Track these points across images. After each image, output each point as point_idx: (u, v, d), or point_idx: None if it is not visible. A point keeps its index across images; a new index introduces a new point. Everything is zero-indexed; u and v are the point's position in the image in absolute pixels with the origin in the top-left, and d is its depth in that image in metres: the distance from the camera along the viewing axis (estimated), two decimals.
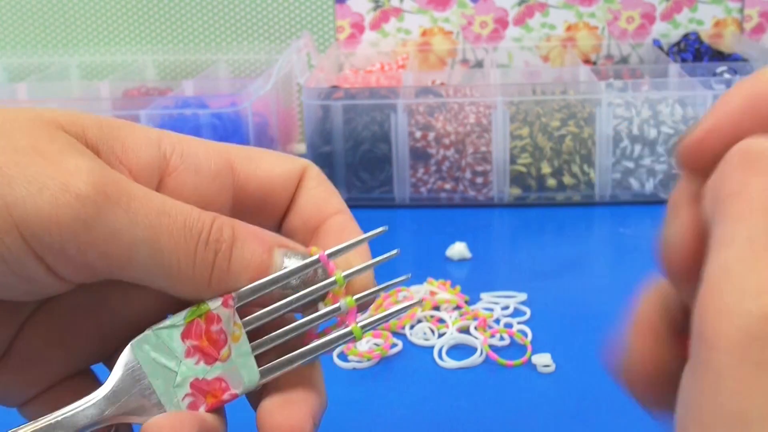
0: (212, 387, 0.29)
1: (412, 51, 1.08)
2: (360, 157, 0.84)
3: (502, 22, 1.11)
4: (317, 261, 0.30)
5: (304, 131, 0.95)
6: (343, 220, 0.32)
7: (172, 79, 1.11)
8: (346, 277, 0.30)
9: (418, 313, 0.60)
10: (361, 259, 0.31)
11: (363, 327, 0.30)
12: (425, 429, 0.49)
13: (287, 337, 0.30)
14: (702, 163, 0.23)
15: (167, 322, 0.29)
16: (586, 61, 1.07)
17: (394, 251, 0.31)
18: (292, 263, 0.29)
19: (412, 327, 0.59)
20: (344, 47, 1.09)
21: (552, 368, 0.54)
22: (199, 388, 0.29)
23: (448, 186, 0.85)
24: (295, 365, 0.30)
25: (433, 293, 0.63)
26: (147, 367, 0.29)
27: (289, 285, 0.29)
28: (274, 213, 0.33)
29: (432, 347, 0.57)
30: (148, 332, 0.29)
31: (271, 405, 0.30)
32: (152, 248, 0.26)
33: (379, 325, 0.31)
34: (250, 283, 0.28)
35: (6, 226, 0.25)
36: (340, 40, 1.12)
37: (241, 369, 0.29)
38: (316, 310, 0.30)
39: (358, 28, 1.12)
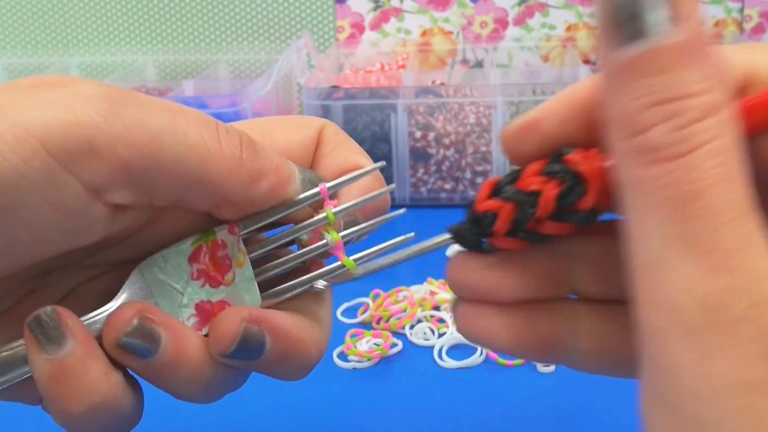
0: (216, 309, 0.30)
1: (412, 51, 1.08)
2: None
3: (502, 22, 1.11)
4: (318, 194, 0.30)
5: None
6: (362, 167, 0.32)
7: (172, 79, 1.11)
8: (337, 213, 0.31)
9: (418, 313, 0.60)
10: (361, 195, 0.32)
11: (356, 259, 0.31)
12: (425, 429, 0.49)
13: (287, 266, 0.31)
14: (519, 151, 0.25)
15: (175, 246, 0.30)
16: (586, 61, 1.07)
17: (411, 234, 0.33)
18: (302, 173, 0.30)
19: (412, 327, 0.59)
20: (344, 47, 1.09)
21: (552, 368, 0.54)
22: (204, 309, 0.30)
23: (448, 186, 0.85)
24: (294, 292, 0.31)
25: (433, 293, 0.63)
26: (155, 287, 0.30)
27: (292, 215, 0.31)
28: None
29: (432, 347, 0.57)
30: (156, 255, 0.30)
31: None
32: (174, 131, 0.27)
33: (372, 258, 0.31)
34: (277, 180, 0.29)
35: (30, 149, 0.25)
36: (340, 40, 1.12)
37: (244, 293, 0.31)
38: (319, 241, 0.31)
39: (358, 28, 1.12)
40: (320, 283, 0.31)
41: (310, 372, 0.31)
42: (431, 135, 0.84)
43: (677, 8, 0.20)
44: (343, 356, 0.56)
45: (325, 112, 0.85)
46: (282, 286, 0.31)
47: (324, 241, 0.31)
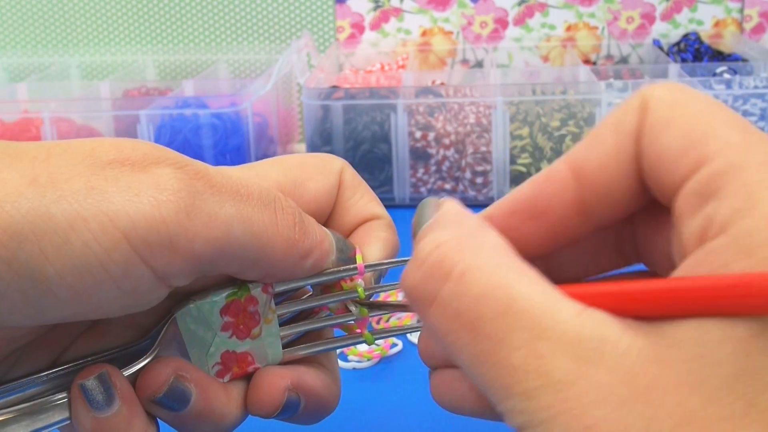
0: (240, 359, 0.32)
1: (412, 51, 1.08)
2: (360, 157, 0.84)
3: (502, 22, 1.11)
4: (354, 269, 0.32)
5: (304, 131, 0.95)
6: (378, 224, 0.35)
7: (172, 79, 1.12)
8: (367, 294, 0.33)
9: None
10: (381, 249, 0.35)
11: (374, 334, 0.34)
12: (425, 429, 0.49)
13: (310, 327, 0.33)
14: None
15: (209, 298, 0.31)
16: (586, 61, 1.07)
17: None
18: (337, 243, 0.32)
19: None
20: (344, 47, 1.10)
21: None
22: (229, 359, 0.32)
23: (448, 186, 0.85)
24: (312, 351, 0.33)
25: None
26: (186, 335, 0.31)
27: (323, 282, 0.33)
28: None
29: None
30: (191, 305, 0.31)
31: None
32: (243, 219, 0.28)
33: (388, 335, 0.35)
34: (321, 254, 0.31)
35: (113, 240, 0.26)
36: (340, 40, 1.12)
37: (267, 347, 0.32)
38: (344, 307, 0.33)
39: (358, 28, 1.12)
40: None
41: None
42: (431, 135, 0.84)
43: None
44: (343, 356, 0.56)
45: (325, 112, 0.85)
46: (303, 345, 0.34)
47: (351, 314, 0.33)
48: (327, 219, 0.35)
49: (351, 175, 0.35)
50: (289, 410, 0.32)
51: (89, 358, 0.31)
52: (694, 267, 0.21)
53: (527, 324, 0.21)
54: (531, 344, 0.21)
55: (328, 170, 0.34)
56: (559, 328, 0.21)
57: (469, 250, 0.23)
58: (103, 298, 0.27)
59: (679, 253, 0.23)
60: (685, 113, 0.24)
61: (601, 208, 0.26)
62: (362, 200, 0.35)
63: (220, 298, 0.31)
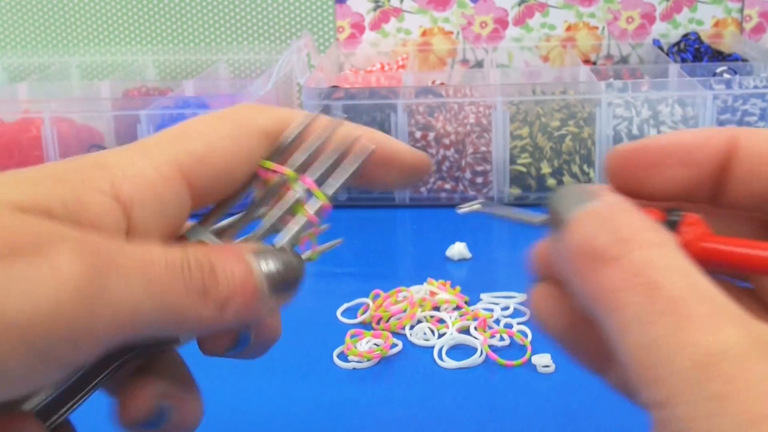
0: None
1: (412, 51, 1.08)
2: None
3: (502, 22, 1.11)
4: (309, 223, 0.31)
5: None
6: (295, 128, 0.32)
7: (172, 79, 1.12)
8: (297, 168, 0.31)
9: (418, 313, 0.60)
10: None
11: (325, 193, 0.31)
12: (425, 429, 0.49)
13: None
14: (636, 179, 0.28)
15: None
16: (586, 61, 1.07)
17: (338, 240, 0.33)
18: (268, 262, 0.29)
19: (412, 327, 0.59)
20: (344, 47, 1.09)
21: (552, 368, 0.54)
22: None
23: (448, 186, 0.85)
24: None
25: (433, 293, 0.63)
26: None
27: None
28: (236, 188, 0.32)
29: (432, 347, 0.57)
30: None
31: None
32: (151, 297, 0.26)
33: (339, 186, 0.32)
34: (243, 299, 0.29)
35: (10, 345, 0.24)
36: (340, 40, 1.12)
37: None
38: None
39: (358, 28, 1.12)
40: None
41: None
42: (431, 135, 0.84)
43: (596, 195, 0.25)
44: (343, 356, 0.56)
45: (325, 112, 0.85)
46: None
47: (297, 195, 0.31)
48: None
49: (276, 118, 0.33)
50: (241, 344, 0.31)
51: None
52: None
53: (708, 306, 0.22)
54: (711, 321, 0.21)
55: (244, 133, 0.32)
56: (742, 320, 0.22)
57: (657, 231, 0.24)
58: (7, 393, 0.25)
59: None
60: None
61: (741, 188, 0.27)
62: (274, 112, 0.32)
63: None
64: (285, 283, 0.30)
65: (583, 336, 0.29)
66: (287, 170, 0.31)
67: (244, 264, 0.29)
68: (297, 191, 0.31)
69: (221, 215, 0.32)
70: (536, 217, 0.30)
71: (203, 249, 0.28)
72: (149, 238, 0.29)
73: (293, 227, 0.31)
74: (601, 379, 0.30)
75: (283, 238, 0.31)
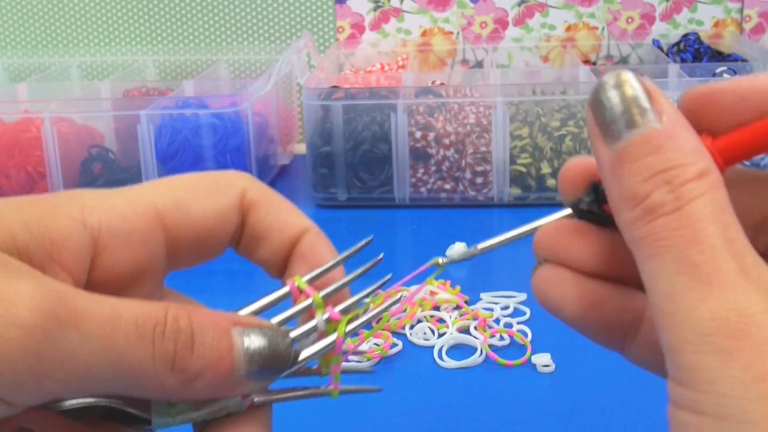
0: None
1: (412, 51, 1.08)
2: (360, 157, 0.84)
3: (502, 23, 1.11)
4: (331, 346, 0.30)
5: (304, 131, 0.96)
6: (313, 241, 0.32)
7: (172, 79, 1.12)
8: (324, 297, 0.30)
9: (418, 313, 0.60)
10: (340, 275, 0.31)
11: (348, 331, 0.31)
12: (425, 429, 0.49)
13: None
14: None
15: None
16: (586, 62, 1.07)
17: (378, 257, 0.32)
18: (253, 340, 0.28)
19: (412, 327, 0.59)
20: (344, 47, 1.10)
21: (552, 368, 0.54)
22: None
23: (448, 186, 0.85)
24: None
25: (433, 293, 0.63)
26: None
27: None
28: (215, 251, 0.31)
29: (432, 347, 0.57)
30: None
31: None
32: (109, 358, 0.25)
33: (362, 326, 0.31)
34: (215, 377, 0.27)
35: None
36: (340, 41, 1.12)
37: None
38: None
39: (358, 28, 1.12)
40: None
41: None
42: (431, 135, 0.84)
43: (656, 105, 0.25)
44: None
45: (325, 112, 0.85)
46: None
47: (314, 321, 0.30)
48: (242, 246, 0.32)
49: (258, 191, 0.31)
50: None
51: None
52: None
53: (737, 265, 0.23)
54: (736, 280, 0.22)
55: (223, 191, 0.31)
56: (765, 284, 0.23)
57: (709, 174, 0.24)
58: None
59: None
60: None
61: None
62: (281, 216, 0.31)
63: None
64: (266, 369, 0.28)
65: (598, 314, 0.29)
66: (316, 296, 0.30)
67: (226, 339, 0.27)
68: (319, 319, 0.30)
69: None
70: (528, 227, 0.29)
71: (188, 311, 0.27)
72: (118, 267, 0.28)
73: (312, 346, 0.30)
74: (620, 353, 0.30)
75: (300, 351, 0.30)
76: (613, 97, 0.25)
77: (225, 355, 0.27)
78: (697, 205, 0.23)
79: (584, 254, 0.29)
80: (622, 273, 0.29)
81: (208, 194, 0.30)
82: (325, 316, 0.30)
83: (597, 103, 0.25)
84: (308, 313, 0.30)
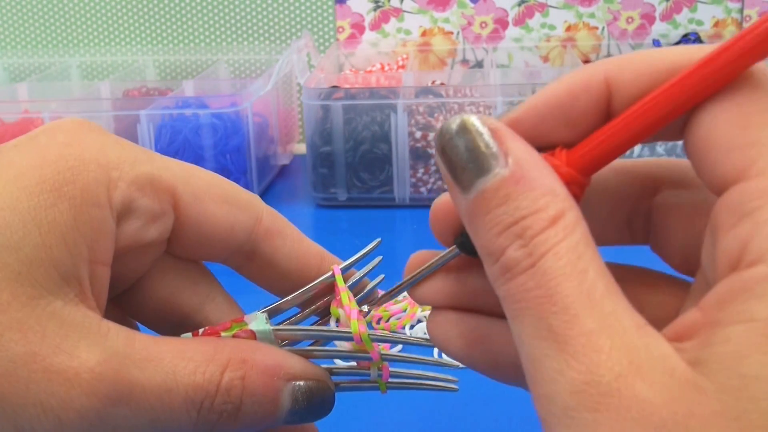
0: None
1: (412, 51, 1.08)
2: (360, 157, 0.84)
3: (502, 23, 1.11)
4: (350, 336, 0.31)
5: (304, 131, 0.96)
6: (322, 255, 0.32)
7: (172, 79, 1.12)
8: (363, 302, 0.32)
9: (418, 313, 0.60)
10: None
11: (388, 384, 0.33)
12: (425, 429, 0.49)
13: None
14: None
15: None
16: (586, 62, 1.07)
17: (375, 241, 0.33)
18: (299, 396, 0.28)
19: (412, 327, 0.59)
20: (344, 47, 1.10)
21: None
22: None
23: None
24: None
25: None
26: None
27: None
28: (209, 257, 0.32)
29: (432, 347, 0.57)
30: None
31: None
32: (153, 427, 0.26)
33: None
34: (252, 428, 0.28)
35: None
36: (340, 40, 1.12)
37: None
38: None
39: (358, 28, 1.12)
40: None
41: None
42: (431, 135, 0.84)
43: (503, 146, 0.23)
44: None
45: (325, 112, 0.85)
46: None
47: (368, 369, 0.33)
48: (252, 270, 0.32)
49: (272, 217, 0.31)
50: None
51: None
52: (728, 294, 0.21)
53: (595, 320, 0.21)
54: (592, 342, 0.21)
55: (245, 205, 0.31)
56: (624, 335, 0.21)
57: (566, 215, 0.22)
58: None
59: (710, 263, 0.22)
60: (743, 103, 0.22)
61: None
62: (301, 245, 0.32)
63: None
64: (306, 416, 0.29)
65: (480, 351, 0.29)
66: (352, 302, 0.31)
67: (274, 403, 0.28)
68: (373, 374, 0.33)
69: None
70: (446, 252, 0.28)
71: (244, 373, 0.27)
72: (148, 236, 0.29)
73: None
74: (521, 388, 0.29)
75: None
76: (459, 144, 0.23)
77: (268, 416, 0.28)
78: (550, 260, 0.22)
79: (462, 293, 0.28)
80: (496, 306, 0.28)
81: (225, 201, 0.30)
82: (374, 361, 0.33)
83: (443, 151, 0.24)
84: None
